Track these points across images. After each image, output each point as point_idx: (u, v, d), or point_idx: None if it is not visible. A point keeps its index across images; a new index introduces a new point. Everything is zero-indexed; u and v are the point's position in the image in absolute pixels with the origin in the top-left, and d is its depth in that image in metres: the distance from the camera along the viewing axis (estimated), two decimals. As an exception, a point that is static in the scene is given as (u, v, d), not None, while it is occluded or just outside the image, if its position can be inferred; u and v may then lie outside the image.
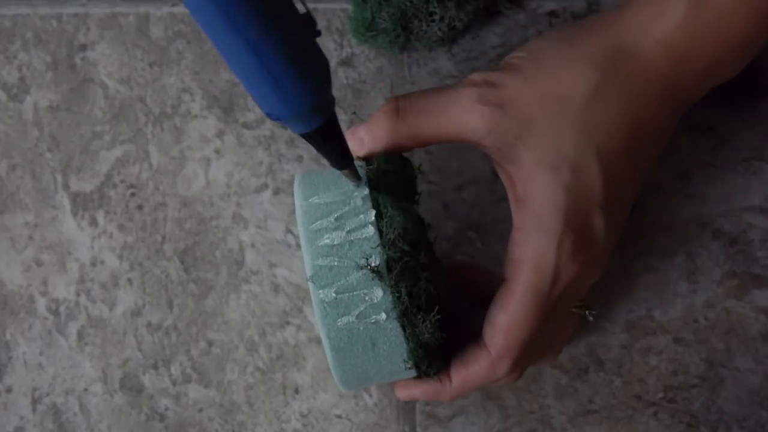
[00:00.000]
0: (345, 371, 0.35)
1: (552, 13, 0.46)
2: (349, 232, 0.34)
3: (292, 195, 0.46)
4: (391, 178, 0.35)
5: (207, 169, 0.46)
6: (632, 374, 0.44)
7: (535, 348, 0.37)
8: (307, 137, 0.31)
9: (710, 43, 0.35)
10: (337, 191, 0.35)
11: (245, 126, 0.46)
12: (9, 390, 0.45)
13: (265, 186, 0.46)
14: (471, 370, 0.37)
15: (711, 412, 0.44)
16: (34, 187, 0.46)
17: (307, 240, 0.34)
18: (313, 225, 0.34)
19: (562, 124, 0.34)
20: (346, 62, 0.46)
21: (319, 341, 0.45)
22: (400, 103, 0.36)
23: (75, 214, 0.46)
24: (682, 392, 0.44)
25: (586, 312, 0.38)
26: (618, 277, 0.45)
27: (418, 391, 0.39)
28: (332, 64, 0.46)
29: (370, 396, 0.44)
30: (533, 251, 0.34)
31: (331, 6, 0.47)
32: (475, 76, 0.35)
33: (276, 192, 0.46)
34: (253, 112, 0.46)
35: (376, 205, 0.34)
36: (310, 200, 0.35)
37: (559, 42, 0.36)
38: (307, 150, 0.46)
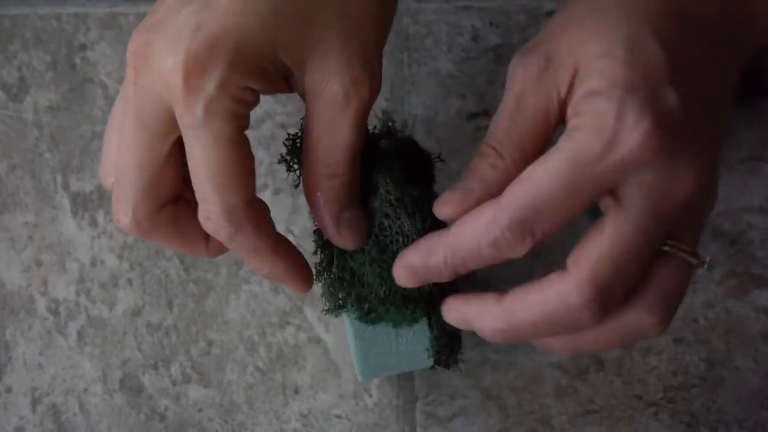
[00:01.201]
0: (367, 361, 0.35)
1: (551, 13, 0.46)
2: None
3: (292, 195, 0.46)
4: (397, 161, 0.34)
5: (207, 169, 0.46)
6: (632, 374, 0.44)
7: (620, 275, 0.30)
8: None
9: None
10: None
11: (245, 126, 0.46)
12: (9, 390, 0.45)
13: (265, 186, 0.46)
14: (469, 218, 0.31)
15: (711, 412, 0.44)
16: (34, 187, 0.46)
17: None
18: None
19: (605, 24, 0.30)
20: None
21: (318, 341, 0.45)
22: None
23: (75, 214, 0.46)
24: (682, 392, 0.44)
25: (695, 261, 0.32)
26: (618, 277, 0.45)
27: (420, 244, 0.33)
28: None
29: (370, 396, 0.44)
30: (582, 116, 0.29)
31: (331, 6, 0.46)
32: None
33: (276, 192, 0.46)
34: (253, 112, 0.46)
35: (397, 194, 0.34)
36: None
37: None
38: (307, 150, 0.46)
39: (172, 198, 0.33)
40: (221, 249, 0.34)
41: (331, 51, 0.30)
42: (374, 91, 0.31)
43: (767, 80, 0.45)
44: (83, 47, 0.47)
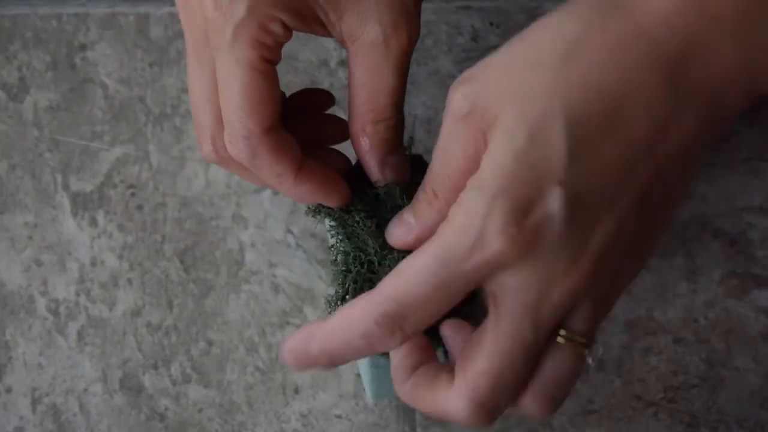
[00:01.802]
0: (380, 386, 0.35)
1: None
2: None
3: (292, 195, 0.46)
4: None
5: (207, 169, 0.46)
6: (632, 374, 0.44)
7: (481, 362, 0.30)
8: None
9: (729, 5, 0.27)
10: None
11: (245, 126, 0.46)
12: (9, 390, 0.45)
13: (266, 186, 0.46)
14: (344, 311, 0.31)
15: (711, 412, 0.44)
16: (34, 187, 0.46)
17: None
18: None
19: (529, 88, 0.28)
20: (346, 62, 0.46)
21: (319, 341, 0.45)
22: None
23: (75, 214, 0.46)
24: (682, 392, 0.44)
25: (585, 351, 0.30)
26: (618, 277, 0.45)
27: (301, 330, 0.32)
28: (332, 64, 0.46)
29: (370, 396, 0.44)
30: (457, 207, 0.29)
31: (331, 6, 0.47)
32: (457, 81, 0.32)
33: (276, 192, 0.46)
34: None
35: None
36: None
37: (542, 18, 0.30)
38: (307, 150, 0.46)
39: None
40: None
41: None
42: (413, 36, 0.32)
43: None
44: (83, 47, 0.47)
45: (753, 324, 0.44)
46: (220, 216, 0.46)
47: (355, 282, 0.35)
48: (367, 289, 0.33)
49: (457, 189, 0.30)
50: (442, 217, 0.30)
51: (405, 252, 0.32)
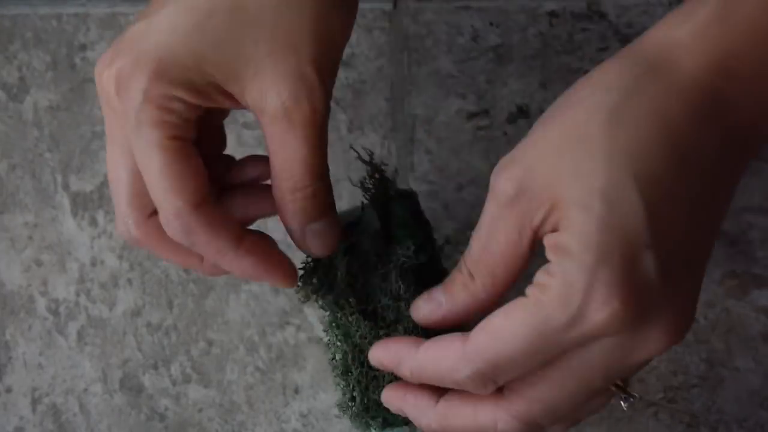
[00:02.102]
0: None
1: (552, 13, 0.46)
2: None
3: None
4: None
5: (207, 169, 0.46)
6: (632, 374, 0.44)
7: (548, 401, 0.30)
8: None
9: (756, 44, 0.28)
10: None
11: (245, 126, 0.46)
12: (9, 390, 0.45)
13: (265, 186, 0.46)
14: (437, 350, 0.31)
15: (711, 412, 0.44)
16: (34, 187, 0.46)
17: None
18: None
19: (584, 162, 0.28)
20: (346, 62, 0.46)
21: (318, 341, 0.45)
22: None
23: (75, 214, 0.46)
24: (682, 392, 0.44)
25: (622, 396, 0.31)
26: (618, 277, 0.45)
27: (382, 350, 0.33)
28: (332, 64, 0.46)
29: (370, 396, 0.44)
30: (552, 278, 0.28)
31: (331, 6, 0.47)
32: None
33: (276, 192, 0.46)
34: (253, 112, 0.46)
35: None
36: None
37: (566, 93, 0.30)
38: (307, 150, 0.46)
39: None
40: (216, 271, 0.35)
41: (264, 69, 0.31)
42: (317, 107, 0.31)
43: None
44: (83, 47, 0.47)
45: (753, 324, 0.44)
46: (220, 216, 0.46)
47: (359, 382, 0.35)
48: (373, 386, 0.35)
49: (495, 275, 0.31)
50: (475, 300, 0.31)
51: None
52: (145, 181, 0.31)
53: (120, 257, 0.45)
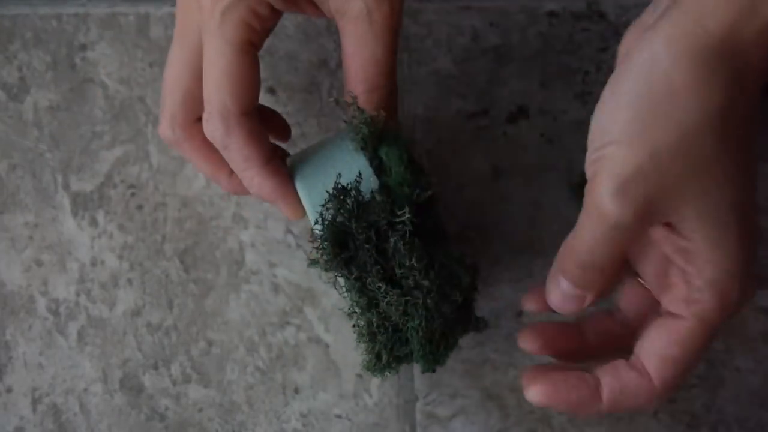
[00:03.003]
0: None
1: (552, 14, 0.46)
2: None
3: (292, 195, 0.46)
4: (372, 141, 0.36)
5: (207, 169, 0.46)
6: (632, 374, 0.44)
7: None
8: None
9: None
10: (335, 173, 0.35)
11: (245, 126, 0.46)
12: (9, 390, 0.45)
13: (265, 186, 0.46)
14: (627, 398, 0.33)
15: (711, 412, 0.44)
16: (34, 187, 0.46)
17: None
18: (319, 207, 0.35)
19: (705, 176, 0.30)
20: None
21: (318, 341, 0.45)
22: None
23: (75, 214, 0.46)
24: (682, 392, 0.44)
25: None
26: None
27: (563, 398, 0.34)
28: (332, 64, 0.46)
29: (370, 396, 0.44)
30: (715, 288, 0.31)
31: (331, 6, 0.46)
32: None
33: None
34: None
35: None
36: (312, 192, 0.35)
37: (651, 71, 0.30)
38: (307, 150, 0.46)
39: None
40: (239, 190, 0.38)
41: None
42: (395, 9, 0.34)
43: None
44: (83, 47, 0.47)
45: (753, 324, 0.44)
46: (220, 216, 0.46)
47: (385, 346, 0.36)
48: (398, 346, 0.35)
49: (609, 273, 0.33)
50: (597, 289, 0.33)
51: (431, 307, 0.34)
52: (204, 79, 0.33)
53: (120, 257, 0.46)
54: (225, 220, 0.46)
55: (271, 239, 0.45)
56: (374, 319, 0.35)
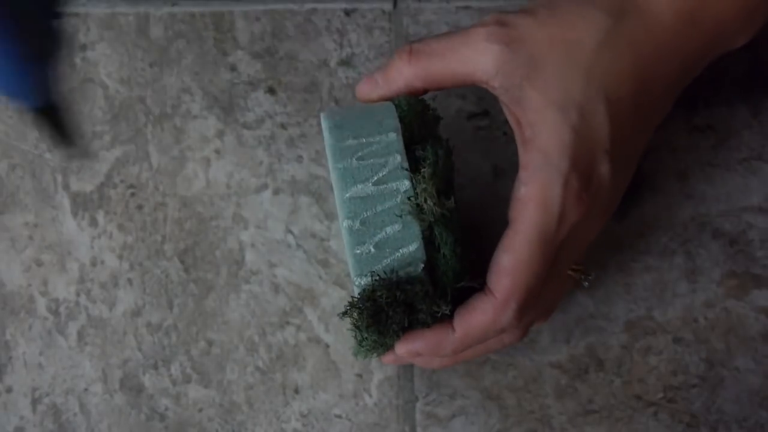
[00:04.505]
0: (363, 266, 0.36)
1: (552, 13, 0.46)
2: (379, 178, 0.35)
3: (292, 195, 0.46)
4: (410, 120, 0.36)
5: (207, 169, 0.46)
6: (632, 374, 0.44)
7: (539, 299, 0.36)
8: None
9: (717, 3, 0.35)
10: (368, 132, 0.36)
11: (245, 126, 0.46)
12: (9, 390, 0.45)
13: (265, 186, 0.46)
14: (475, 317, 0.35)
15: (711, 412, 0.44)
16: (34, 187, 0.46)
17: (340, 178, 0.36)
18: (343, 163, 0.35)
19: (571, 67, 0.34)
20: (346, 62, 0.46)
21: (318, 341, 0.45)
22: (413, 46, 0.37)
23: (75, 214, 0.46)
24: (682, 392, 0.44)
25: (582, 277, 0.38)
26: (617, 276, 0.45)
27: (420, 343, 0.36)
28: (332, 64, 0.46)
29: (370, 396, 0.44)
30: (540, 188, 0.34)
31: (331, 6, 0.47)
32: (488, 17, 0.36)
33: (276, 192, 0.46)
34: (253, 112, 0.46)
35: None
36: (343, 143, 0.36)
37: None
38: (307, 150, 0.46)
39: None
40: None
41: None
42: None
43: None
44: (83, 47, 0.47)
45: (753, 324, 0.44)
46: (220, 216, 0.46)
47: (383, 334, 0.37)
48: (390, 336, 0.36)
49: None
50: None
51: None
52: None
53: (120, 257, 0.46)
54: (225, 220, 0.46)
55: (271, 239, 0.45)
56: (379, 343, 0.36)
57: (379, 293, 0.34)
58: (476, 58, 0.35)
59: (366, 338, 0.35)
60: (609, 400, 0.44)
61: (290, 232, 0.45)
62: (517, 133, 0.36)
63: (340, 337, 0.45)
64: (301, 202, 0.45)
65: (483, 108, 0.45)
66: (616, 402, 0.44)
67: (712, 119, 0.45)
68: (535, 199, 0.34)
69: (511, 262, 0.34)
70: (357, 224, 0.35)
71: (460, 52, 0.35)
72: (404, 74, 0.36)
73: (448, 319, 0.36)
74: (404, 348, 0.37)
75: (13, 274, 0.46)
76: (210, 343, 0.45)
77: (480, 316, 0.35)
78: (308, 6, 0.47)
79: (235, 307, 0.45)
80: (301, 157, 0.46)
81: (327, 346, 0.45)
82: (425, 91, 0.37)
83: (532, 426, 0.44)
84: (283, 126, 0.46)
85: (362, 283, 0.35)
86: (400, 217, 0.35)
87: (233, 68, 0.46)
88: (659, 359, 0.44)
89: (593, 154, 0.34)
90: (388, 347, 0.37)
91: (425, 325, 0.35)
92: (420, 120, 0.37)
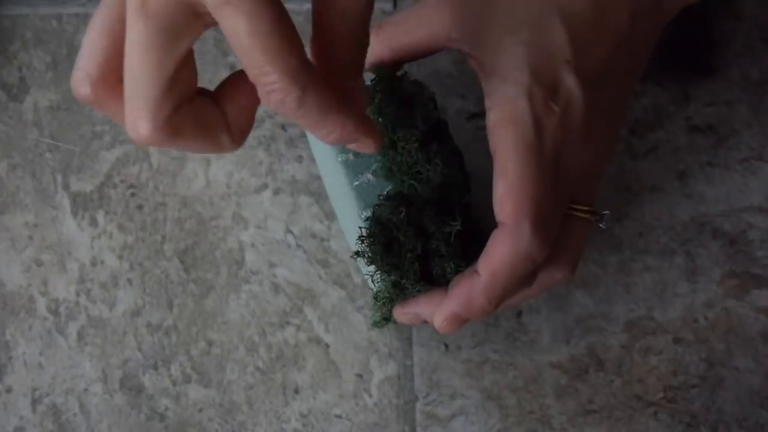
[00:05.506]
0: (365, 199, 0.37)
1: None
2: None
3: (292, 195, 0.46)
4: (383, 87, 0.37)
5: (207, 169, 0.46)
6: (632, 374, 0.44)
7: (555, 214, 0.34)
8: None
9: None
10: None
11: (245, 126, 0.46)
12: (9, 390, 0.45)
13: (265, 186, 0.46)
14: (494, 252, 0.33)
15: (711, 412, 0.44)
16: (34, 187, 0.46)
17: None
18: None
19: None
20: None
21: (318, 341, 0.45)
22: (380, 23, 0.37)
23: (75, 214, 0.46)
24: (682, 392, 0.44)
25: (595, 218, 0.36)
26: (617, 276, 0.45)
27: (452, 301, 0.35)
28: (332, 64, 0.46)
29: (370, 396, 0.44)
30: (504, 106, 0.33)
31: (331, 6, 0.46)
32: None
33: (276, 192, 0.46)
34: None
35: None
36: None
37: None
38: (307, 150, 0.46)
39: (189, 96, 0.30)
40: (244, 133, 0.32)
41: None
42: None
43: (706, 59, 0.45)
44: (83, 47, 0.47)
45: (753, 324, 0.44)
46: (220, 216, 0.46)
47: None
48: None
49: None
50: None
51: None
52: (244, 52, 0.28)
53: (120, 257, 0.46)
54: (225, 220, 0.46)
55: (271, 239, 0.45)
56: (396, 298, 0.36)
57: (386, 218, 0.35)
58: (432, 15, 0.36)
59: (384, 280, 0.35)
60: (609, 400, 0.44)
61: (290, 232, 0.45)
62: (480, 75, 0.35)
63: (340, 337, 0.45)
64: (301, 202, 0.45)
65: (483, 108, 0.45)
66: (616, 402, 0.44)
67: (712, 119, 0.45)
68: (505, 117, 0.33)
69: (506, 184, 0.33)
70: (351, 156, 0.36)
71: (418, 14, 0.36)
72: (373, 48, 0.36)
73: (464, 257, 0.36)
74: (440, 314, 0.36)
75: (13, 274, 0.46)
76: (210, 343, 0.45)
77: (498, 248, 0.33)
78: (308, 6, 0.47)
79: (235, 307, 0.45)
80: (301, 157, 0.46)
81: (327, 346, 0.45)
82: (396, 62, 0.38)
83: (532, 426, 0.44)
84: (283, 126, 0.46)
85: (367, 215, 0.35)
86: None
87: (233, 68, 0.46)
88: (659, 359, 0.44)
89: (554, 66, 0.33)
90: (408, 294, 0.36)
91: (441, 256, 0.35)
92: (390, 86, 0.37)
